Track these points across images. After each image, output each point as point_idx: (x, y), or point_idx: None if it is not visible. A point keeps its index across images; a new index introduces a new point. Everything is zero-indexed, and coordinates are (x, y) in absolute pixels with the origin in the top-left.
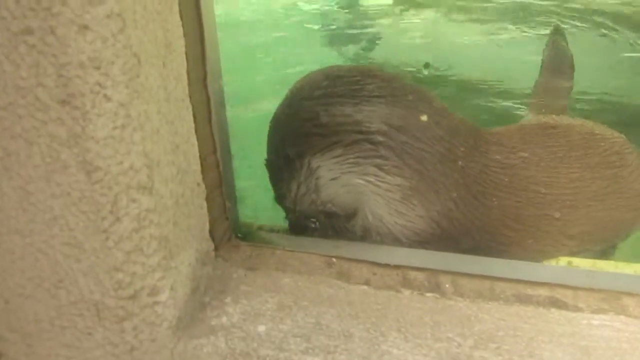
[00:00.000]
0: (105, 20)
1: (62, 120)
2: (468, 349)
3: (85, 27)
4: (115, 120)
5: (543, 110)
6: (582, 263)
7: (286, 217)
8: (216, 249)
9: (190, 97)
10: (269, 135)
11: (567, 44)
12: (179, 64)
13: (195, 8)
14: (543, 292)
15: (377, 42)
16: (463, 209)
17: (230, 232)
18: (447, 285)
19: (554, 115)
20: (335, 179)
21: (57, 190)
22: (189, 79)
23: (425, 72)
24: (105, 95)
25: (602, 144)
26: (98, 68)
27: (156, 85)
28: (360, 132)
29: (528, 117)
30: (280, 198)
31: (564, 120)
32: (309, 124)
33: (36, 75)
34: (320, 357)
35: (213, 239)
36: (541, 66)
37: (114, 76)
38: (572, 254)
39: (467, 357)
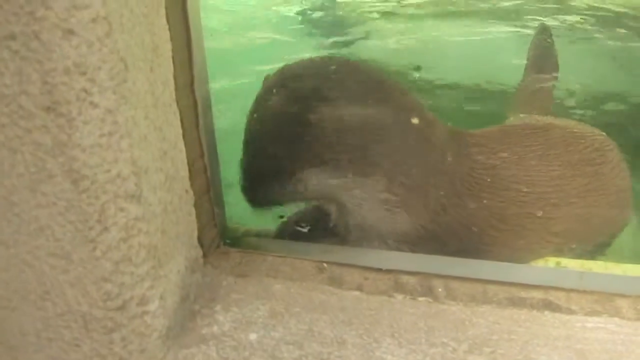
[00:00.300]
0: (91, 25)
1: (47, 128)
2: (463, 353)
3: (71, 32)
4: (102, 128)
5: (527, 109)
6: (570, 264)
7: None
8: (205, 256)
9: (178, 102)
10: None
11: (552, 42)
12: (166, 68)
13: (181, 11)
14: (536, 294)
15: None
16: (450, 211)
17: (218, 238)
18: (439, 289)
19: (536, 115)
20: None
21: (43, 200)
22: (176, 83)
23: (417, 75)
24: (91, 102)
25: (582, 141)
26: (84, 74)
27: (143, 91)
28: (345, 140)
29: (511, 118)
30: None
31: (547, 119)
32: (295, 127)
33: (20, 82)
34: None
35: (202, 246)
36: (525, 66)
37: (100, 82)
38: (559, 252)
39: None
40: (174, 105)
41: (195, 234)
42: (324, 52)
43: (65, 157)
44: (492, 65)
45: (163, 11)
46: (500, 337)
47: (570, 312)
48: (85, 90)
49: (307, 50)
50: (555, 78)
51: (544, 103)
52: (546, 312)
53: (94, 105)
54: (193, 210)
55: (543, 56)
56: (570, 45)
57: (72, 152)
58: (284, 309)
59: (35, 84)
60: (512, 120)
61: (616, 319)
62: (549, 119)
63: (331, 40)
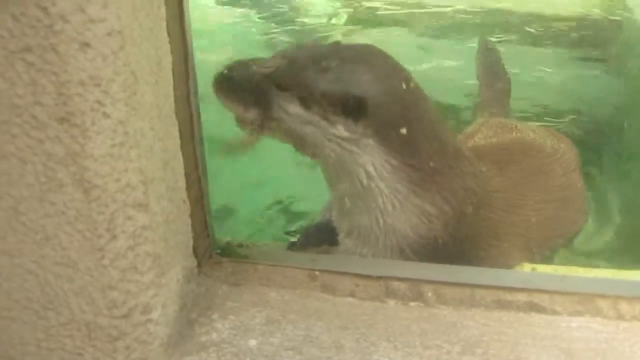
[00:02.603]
0: (106, 38)
1: (60, 138)
2: (457, 355)
3: (87, 45)
4: (114, 138)
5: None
6: (547, 269)
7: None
8: (199, 265)
9: (176, 114)
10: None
11: (497, 54)
12: (168, 81)
13: (179, 26)
14: (521, 297)
15: None
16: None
17: (211, 248)
18: (429, 294)
19: (500, 118)
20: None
21: (51, 210)
22: (175, 96)
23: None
24: (104, 113)
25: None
26: (98, 85)
27: (150, 103)
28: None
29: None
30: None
31: (510, 122)
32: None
33: (34, 93)
34: None
35: (196, 256)
36: (478, 78)
37: (113, 94)
38: (531, 255)
39: None
40: (174, 117)
41: (191, 243)
42: None
43: (77, 166)
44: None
45: (164, 25)
46: (491, 338)
47: (554, 312)
48: (99, 102)
49: None
50: (508, 85)
51: (503, 107)
52: (532, 314)
53: (107, 116)
54: (189, 221)
55: (491, 67)
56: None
57: (85, 161)
58: (281, 316)
59: (50, 95)
60: (480, 122)
61: (598, 319)
62: (513, 122)
63: None
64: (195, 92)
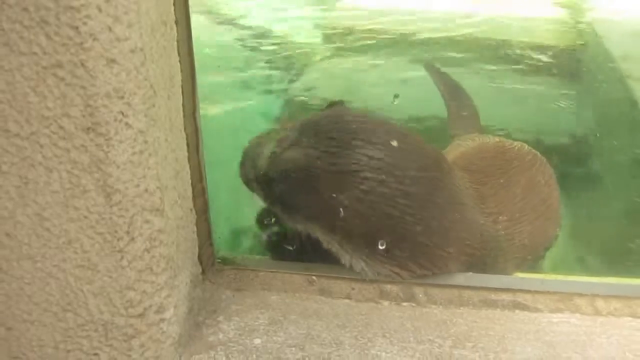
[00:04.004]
0: (130, 55)
1: (86, 147)
2: (448, 348)
3: (113, 61)
4: (134, 146)
5: (464, 131)
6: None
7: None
8: (203, 272)
9: (185, 128)
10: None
11: (446, 73)
12: (178, 97)
13: (187, 45)
14: (506, 297)
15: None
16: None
17: (214, 257)
18: (420, 295)
19: (475, 134)
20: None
21: (75, 214)
22: (183, 111)
23: (395, 101)
24: (127, 123)
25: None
26: (122, 98)
27: (164, 116)
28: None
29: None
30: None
31: (486, 137)
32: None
33: (62, 105)
34: None
35: (201, 263)
36: (443, 98)
37: (135, 105)
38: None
39: (449, 356)
40: (183, 131)
41: (197, 251)
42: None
43: (100, 173)
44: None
45: (176, 45)
46: (479, 334)
47: (537, 310)
48: (122, 113)
49: None
50: (471, 100)
51: (474, 124)
52: (517, 311)
53: (129, 126)
54: (195, 229)
55: (450, 87)
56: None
57: (108, 168)
58: (282, 317)
59: (78, 107)
60: (457, 142)
61: (577, 315)
62: (488, 137)
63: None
64: (199, 109)
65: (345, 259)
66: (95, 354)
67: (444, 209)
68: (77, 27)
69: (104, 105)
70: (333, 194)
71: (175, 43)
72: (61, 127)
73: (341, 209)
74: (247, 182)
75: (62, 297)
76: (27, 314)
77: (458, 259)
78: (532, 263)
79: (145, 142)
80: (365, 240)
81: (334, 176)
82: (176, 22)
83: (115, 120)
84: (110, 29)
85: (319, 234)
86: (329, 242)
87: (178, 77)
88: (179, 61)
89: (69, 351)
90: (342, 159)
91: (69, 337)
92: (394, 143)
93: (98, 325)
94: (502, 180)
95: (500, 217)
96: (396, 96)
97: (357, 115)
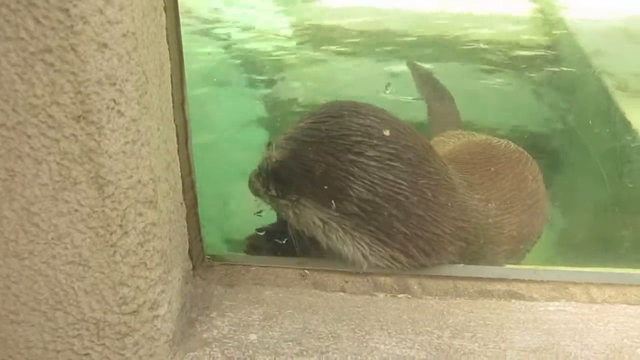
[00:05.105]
0: (122, 39)
1: (76, 136)
2: (447, 339)
3: (104, 45)
4: (127, 135)
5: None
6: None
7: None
8: (194, 268)
9: (174, 120)
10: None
11: (427, 70)
12: (168, 86)
13: (175, 35)
14: (501, 287)
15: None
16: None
17: (204, 253)
18: (415, 287)
19: (458, 131)
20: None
21: (65, 208)
22: (173, 101)
23: (387, 91)
24: (119, 111)
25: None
26: (114, 84)
27: (156, 105)
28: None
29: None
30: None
31: (469, 134)
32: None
33: (51, 93)
34: (315, 358)
35: (191, 259)
36: (425, 98)
37: (127, 92)
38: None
39: (448, 346)
40: (172, 122)
41: (187, 246)
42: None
43: (92, 164)
44: None
45: (165, 32)
46: (477, 324)
47: (532, 299)
48: (114, 100)
49: None
50: (450, 96)
51: (456, 121)
52: (513, 301)
53: (121, 114)
54: (185, 223)
55: (430, 84)
56: None
57: (100, 158)
58: (277, 312)
59: (68, 94)
60: (440, 139)
61: (573, 303)
62: (473, 135)
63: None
64: (187, 101)
65: (347, 245)
66: (87, 354)
67: (438, 192)
68: (67, 10)
69: (95, 92)
70: (337, 174)
71: (164, 31)
72: (50, 116)
73: (348, 188)
74: (256, 190)
75: (51, 295)
76: (14, 314)
77: (454, 243)
78: (519, 257)
79: (138, 131)
80: (368, 222)
81: (337, 155)
82: (165, 9)
83: (107, 108)
84: (101, 12)
85: (324, 218)
86: (331, 229)
87: (168, 66)
88: (168, 49)
89: (58, 352)
90: (342, 139)
91: (59, 337)
92: (387, 132)
93: (89, 323)
94: (489, 171)
95: (489, 205)
96: (388, 85)
97: (356, 104)
